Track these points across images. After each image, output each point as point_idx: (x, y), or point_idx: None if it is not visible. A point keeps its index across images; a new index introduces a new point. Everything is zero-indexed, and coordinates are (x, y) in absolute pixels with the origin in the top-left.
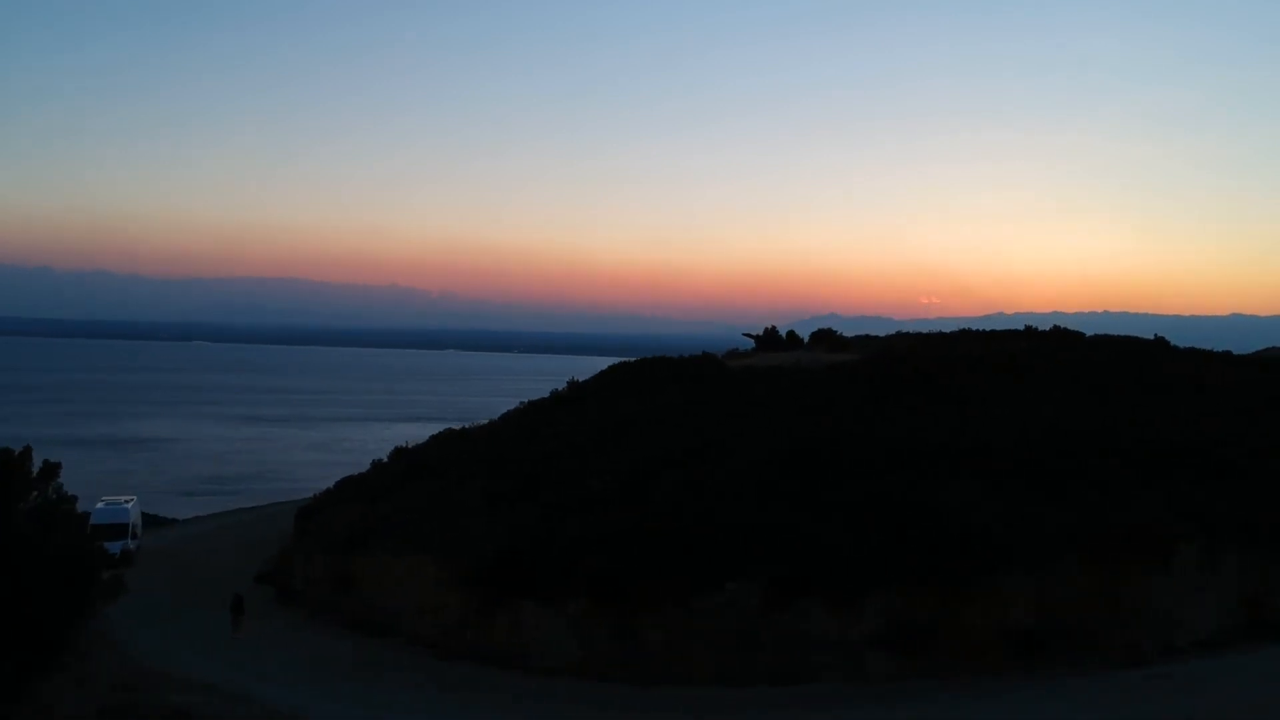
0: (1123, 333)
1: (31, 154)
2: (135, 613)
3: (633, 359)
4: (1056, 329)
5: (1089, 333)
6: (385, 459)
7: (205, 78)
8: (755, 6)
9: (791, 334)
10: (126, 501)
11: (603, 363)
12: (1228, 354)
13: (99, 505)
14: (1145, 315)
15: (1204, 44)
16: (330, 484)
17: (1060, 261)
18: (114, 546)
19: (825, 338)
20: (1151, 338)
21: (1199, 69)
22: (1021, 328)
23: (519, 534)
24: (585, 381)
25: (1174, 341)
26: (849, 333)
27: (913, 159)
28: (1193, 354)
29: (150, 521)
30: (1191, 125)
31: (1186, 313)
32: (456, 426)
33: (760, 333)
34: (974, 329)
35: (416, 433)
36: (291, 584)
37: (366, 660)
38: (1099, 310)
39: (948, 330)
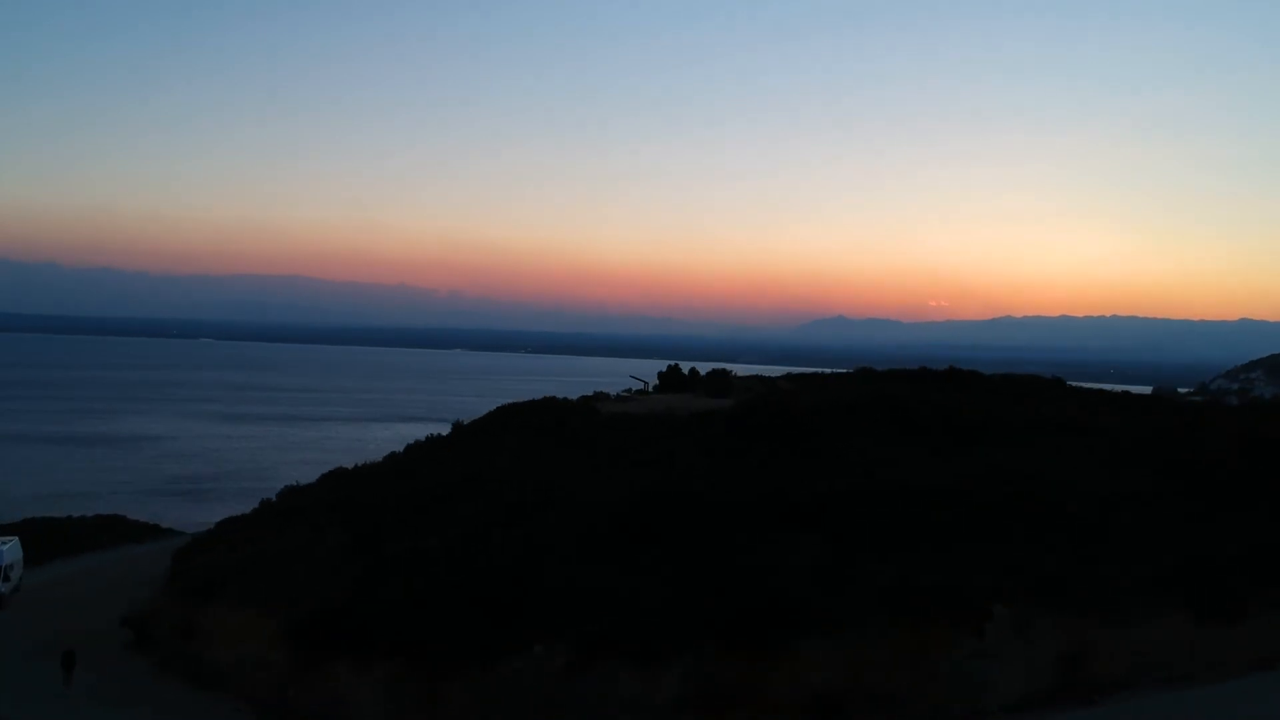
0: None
1: (37, 150)
2: None
3: (523, 401)
4: (952, 369)
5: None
6: (274, 498)
7: (212, 75)
8: (762, 7)
9: (694, 371)
10: (3, 544)
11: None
12: (1125, 393)
13: None
14: (1153, 319)
15: (1213, 46)
16: None
17: (1069, 265)
18: None
19: (714, 379)
20: (1049, 376)
21: (1208, 72)
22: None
23: (344, 590)
24: (472, 422)
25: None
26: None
27: (922, 161)
28: (1088, 395)
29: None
30: (1200, 128)
31: (1195, 317)
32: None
33: (664, 371)
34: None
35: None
36: (150, 629)
37: (186, 717)
38: (1107, 314)
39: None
